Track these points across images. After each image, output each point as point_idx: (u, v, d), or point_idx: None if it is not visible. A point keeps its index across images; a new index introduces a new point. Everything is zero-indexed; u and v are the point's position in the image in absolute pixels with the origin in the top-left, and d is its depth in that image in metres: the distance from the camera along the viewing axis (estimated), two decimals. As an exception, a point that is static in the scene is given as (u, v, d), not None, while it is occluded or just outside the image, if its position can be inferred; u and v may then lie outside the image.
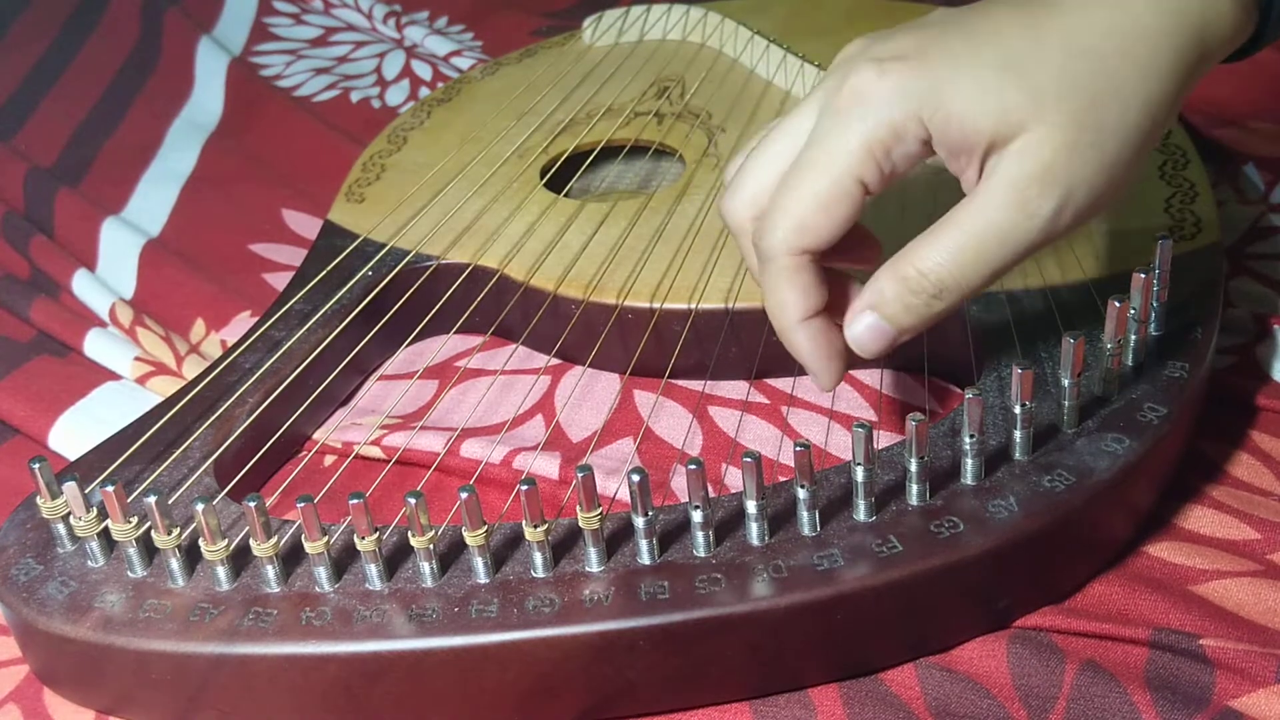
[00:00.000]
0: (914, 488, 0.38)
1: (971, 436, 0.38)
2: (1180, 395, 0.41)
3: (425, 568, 0.37)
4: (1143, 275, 0.42)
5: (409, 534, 0.37)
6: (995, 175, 0.35)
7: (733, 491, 0.40)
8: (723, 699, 0.38)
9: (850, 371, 0.50)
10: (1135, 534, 0.42)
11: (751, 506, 0.37)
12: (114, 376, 0.54)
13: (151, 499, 0.36)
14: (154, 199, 0.68)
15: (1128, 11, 0.36)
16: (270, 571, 0.37)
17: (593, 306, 0.49)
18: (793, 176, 0.37)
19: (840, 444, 0.46)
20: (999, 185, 0.35)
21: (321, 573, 0.37)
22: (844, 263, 0.40)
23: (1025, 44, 0.35)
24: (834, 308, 0.39)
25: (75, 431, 0.50)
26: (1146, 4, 0.36)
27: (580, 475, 0.36)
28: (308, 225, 0.64)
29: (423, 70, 0.79)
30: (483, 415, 0.49)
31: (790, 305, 0.38)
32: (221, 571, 0.38)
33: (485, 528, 0.37)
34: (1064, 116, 0.35)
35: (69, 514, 0.39)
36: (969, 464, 0.39)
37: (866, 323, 0.37)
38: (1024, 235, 0.35)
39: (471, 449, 0.46)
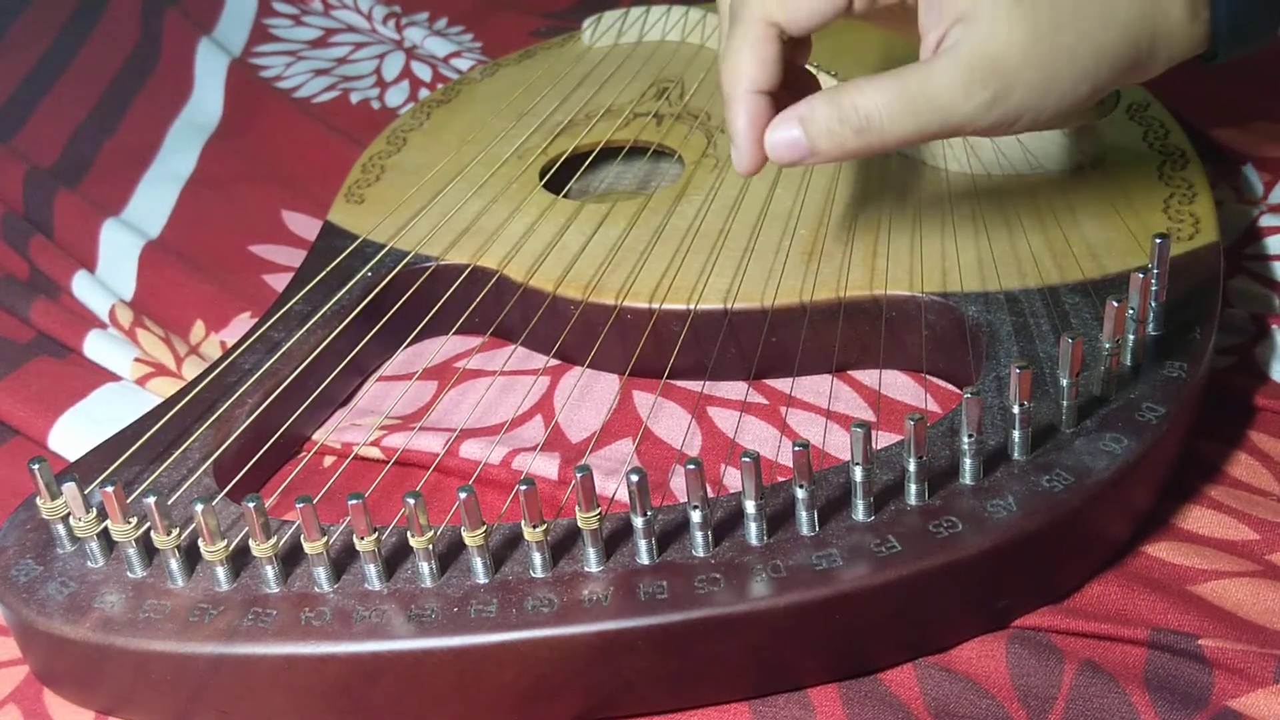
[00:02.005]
0: (912, 488, 0.38)
1: (970, 436, 0.38)
2: (1179, 395, 0.41)
3: (424, 568, 0.37)
4: (1141, 275, 0.42)
5: (408, 534, 0.37)
6: (953, 50, 0.39)
7: (731, 492, 0.40)
8: (722, 699, 0.38)
9: (849, 372, 0.50)
10: (1134, 534, 0.42)
11: (750, 506, 0.37)
12: (114, 377, 0.54)
13: (151, 499, 0.36)
14: (154, 200, 0.68)
15: None
16: (269, 572, 0.37)
17: (592, 307, 0.49)
18: None
19: (839, 444, 0.46)
20: (951, 59, 0.39)
21: (321, 573, 0.37)
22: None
23: None
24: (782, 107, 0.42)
25: (75, 432, 0.50)
26: None
27: (579, 475, 0.36)
28: (307, 226, 0.64)
29: (422, 71, 0.79)
30: (482, 416, 0.49)
31: (745, 70, 0.41)
32: (221, 572, 0.38)
33: (484, 528, 0.37)
34: (1030, 22, 0.39)
35: (69, 515, 0.39)
36: (967, 464, 0.39)
37: (790, 133, 0.41)
38: (953, 110, 0.39)
39: (470, 449, 0.46)
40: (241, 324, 0.56)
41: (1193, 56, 0.43)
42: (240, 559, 0.38)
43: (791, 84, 0.43)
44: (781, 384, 0.50)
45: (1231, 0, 0.41)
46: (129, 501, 0.39)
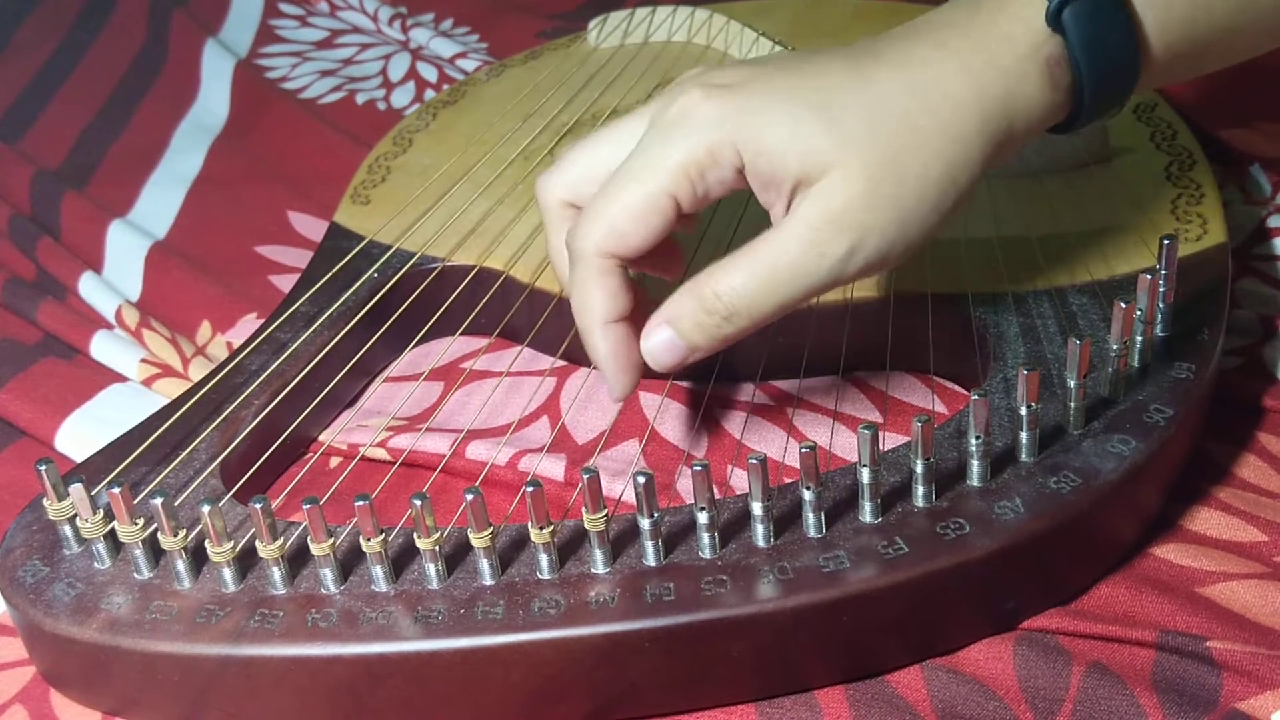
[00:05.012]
0: (920, 489, 0.38)
1: (977, 438, 0.38)
2: (1187, 397, 0.41)
3: (431, 569, 0.37)
4: (1149, 276, 0.42)
5: (414, 535, 0.37)
6: (796, 214, 0.37)
7: (738, 493, 0.40)
8: (728, 701, 0.38)
9: (856, 373, 0.50)
10: (1141, 536, 0.42)
11: (757, 508, 0.37)
12: (120, 378, 0.54)
13: (158, 500, 0.37)
14: (160, 201, 0.68)
15: (940, 75, 0.37)
16: (276, 573, 0.37)
17: (598, 308, 0.49)
18: (613, 184, 0.38)
19: (846, 445, 0.46)
20: (797, 223, 0.37)
21: (327, 574, 0.37)
22: (649, 270, 0.42)
23: (843, 91, 0.37)
24: (638, 322, 0.40)
25: (82, 433, 0.50)
26: (959, 72, 0.37)
27: (586, 477, 0.36)
28: (313, 227, 0.64)
29: (428, 72, 0.79)
30: (488, 417, 0.49)
31: (595, 307, 0.40)
32: (227, 573, 0.38)
33: (490, 529, 0.37)
34: (866, 165, 0.36)
35: (75, 516, 0.39)
36: (975, 465, 0.38)
37: (662, 336, 0.39)
38: (813, 274, 0.37)
39: (477, 451, 0.46)
40: (248, 325, 0.56)
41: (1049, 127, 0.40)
42: (247, 560, 0.38)
43: (655, 257, 0.41)
44: (788, 385, 0.49)
45: (1094, 58, 0.37)
46: (136, 502, 0.39)
